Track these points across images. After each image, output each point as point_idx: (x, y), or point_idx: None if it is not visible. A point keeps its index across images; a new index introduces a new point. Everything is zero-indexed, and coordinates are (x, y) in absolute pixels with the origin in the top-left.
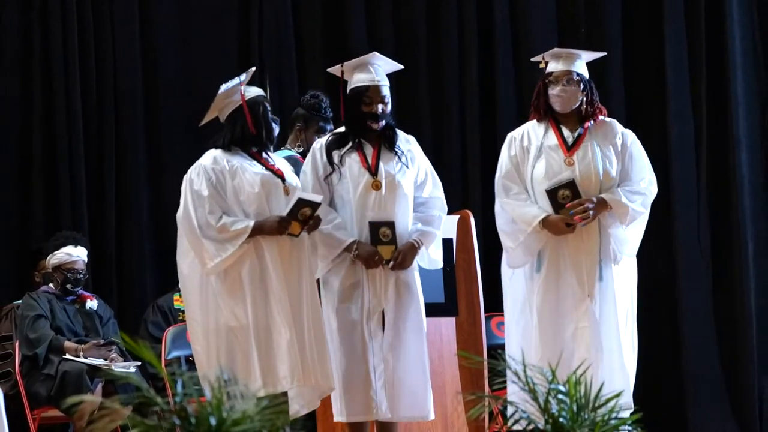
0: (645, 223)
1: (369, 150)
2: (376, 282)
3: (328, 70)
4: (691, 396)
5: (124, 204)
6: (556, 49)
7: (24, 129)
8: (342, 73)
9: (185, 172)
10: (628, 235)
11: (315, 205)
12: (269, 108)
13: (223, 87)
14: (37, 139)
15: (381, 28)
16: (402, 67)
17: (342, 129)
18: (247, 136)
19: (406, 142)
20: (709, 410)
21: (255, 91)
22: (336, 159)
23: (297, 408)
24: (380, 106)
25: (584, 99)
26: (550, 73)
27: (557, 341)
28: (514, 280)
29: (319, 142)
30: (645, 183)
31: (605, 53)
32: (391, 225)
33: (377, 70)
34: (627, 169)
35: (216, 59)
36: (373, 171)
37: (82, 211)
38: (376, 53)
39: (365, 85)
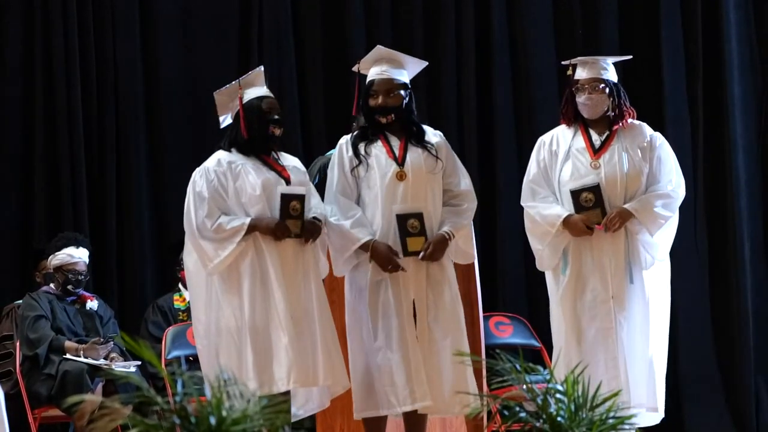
0: (675, 226)
1: (396, 142)
2: (404, 273)
3: (352, 69)
4: (687, 395)
5: (125, 205)
6: (582, 57)
7: (25, 130)
8: (359, 70)
9: (185, 173)
10: (657, 240)
11: (300, 198)
12: (270, 110)
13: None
14: (39, 141)
15: (380, 32)
16: (426, 63)
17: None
18: (240, 139)
19: (434, 135)
20: (706, 409)
21: (255, 93)
22: (362, 151)
23: (295, 409)
24: (384, 99)
25: (611, 104)
26: (577, 81)
27: (582, 343)
28: (552, 280)
29: (345, 138)
30: (672, 185)
31: (631, 56)
32: (419, 216)
33: (384, 62)
34: (655, 171)
35: (216, 61)
36: (400, 162)
37: (83, 212)
38: (380, 46)
39: (371, 79)
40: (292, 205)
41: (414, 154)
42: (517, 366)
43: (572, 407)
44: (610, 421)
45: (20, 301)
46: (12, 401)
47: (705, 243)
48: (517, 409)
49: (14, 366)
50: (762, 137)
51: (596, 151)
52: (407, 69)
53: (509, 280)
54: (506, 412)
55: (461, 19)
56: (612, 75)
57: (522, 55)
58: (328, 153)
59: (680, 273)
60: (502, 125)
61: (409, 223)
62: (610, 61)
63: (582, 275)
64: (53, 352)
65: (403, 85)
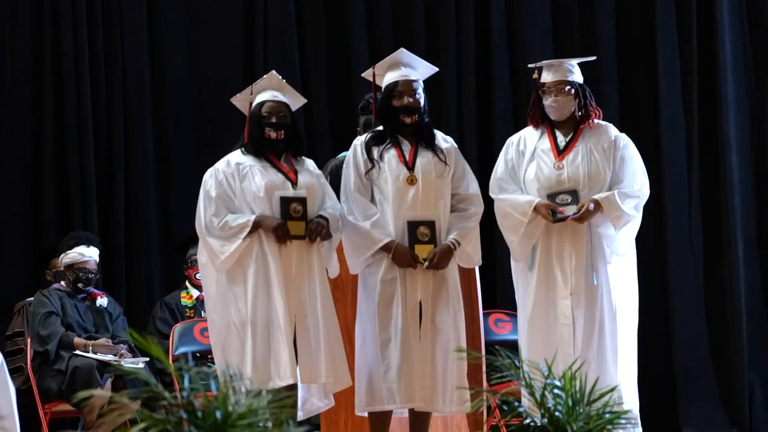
0: (637, 225)
1: (407, 147)
2: (413, 274)
3: (362, 75)
4: (682, 391)
5: (133, 204)
6: (547, 60)
7: (36, 132)
8: (374, 75)
9: (192, 173)
10: (619, 234)
11: (302, 200)
12: (268, 114)
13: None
14: (49, 142)
15: (381, 36)
16: (437, 69)
17: (381, 128)
18: (243, 143)
19: (444, 141)
20: (700, 404)
21: (261, 98)
22: (375, 155)
23: (306, 403)
24: (410, 99)
25: (577, 105)
26: (544, 84)
27: (546, 337)
28: (516, 278)
29: (359, 139)
30: (637, 185)
31: (595, 57)
32: (430, 224)
33: (406, 65)
34: (618, 172)
35: (222, 62)
36: (410, 166)
37: (92, 212)
38: (404, 49)
39: (395, 80)
40: (292, 207)
41: (424, 159)
42: (516, 362)
43: (570, 402)
44: (607, 415)
45: (31, 298)
46: (23, 396)
47: (700, 242)
48: (516, 404)
49: (25, 362)
50: (755, 137)
51: (560, 152)
52: (420, 74)
53: (508, 279)
54: (505, 407)
55: (461, 21)
56: (578, 76)
57: (521, 56)
58: (340, 155)
59: (675, 271)
60: (501, 127)
61: (419, 231)
62: (575, 62)
63: (547, 271)
64: (63, 348)
65: (422, 88)
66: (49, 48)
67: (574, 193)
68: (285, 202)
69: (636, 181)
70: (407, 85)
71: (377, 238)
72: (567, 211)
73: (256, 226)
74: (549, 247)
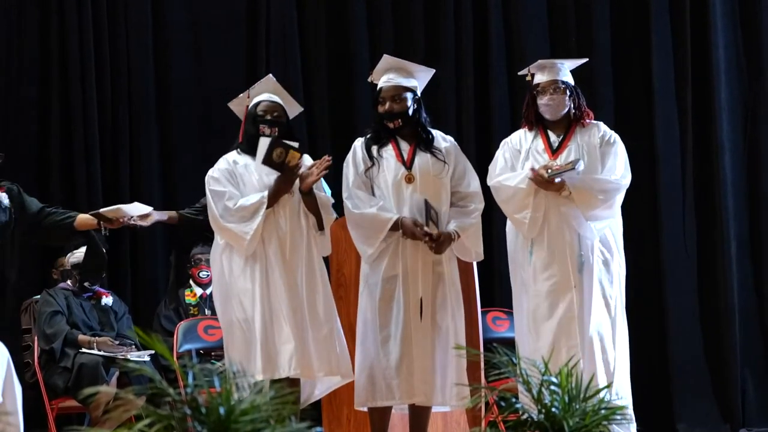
0: (608, 212)
1: (405, 147)
2: (415, 272)
3: (369, 80)
4: (676, 387)
5: None
6: (540, 60)
7: (42, 133)
8: (372, 80)
9: (195, 172)
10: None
11: (286, 147)
12: (264, 112)
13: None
14: (55, 143)
15: (381, 38)
16: (433, 71)
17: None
18: (242, 143)
19: (443, 140)
20: (694, 401)
21: (257, 100)
22: (375, 153)
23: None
24: (392, 104)
25: (572, 105)
26: (537, 84)
27: (550, 332)
28: (515, 273)
29: (360, 140)
30: (616, 176)
31: (587, 59)
32: (437, 214)
33: (391, 70)
34: (603, 161)
35: (224, 65)
36: (408, 165)
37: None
38: (386, 56)
39: (380, 87)
40: (276, 152)
41: (422, 158)
42: (513, 359)
43: (566, 398)
44: (602, 411)
45: (38, 297)
46: (30, 390)
47: (693, 241)
48: (513, 400)
49: (32, 358)
50: (748, 139)
51: (554, 151)
52: (416, 77)
53: (505, 277)
54: (503, 404)
55: (460, 29)
56: (569, 78)
57: (518, 58)
58: None
59: (669, 270)
60: (498, 129)
61: (432, 213)
62: (565, 63)
63: (546, 263)
64: (68, 346)
65: (410, 92)
66: (55, 50)
67: (576, 161)
68: (272, 146)
69: (615, 172)
70: (389, 91)
71: (385, 217)
72: (561, 168)
73: (271, 200)
74: (547, 240)
